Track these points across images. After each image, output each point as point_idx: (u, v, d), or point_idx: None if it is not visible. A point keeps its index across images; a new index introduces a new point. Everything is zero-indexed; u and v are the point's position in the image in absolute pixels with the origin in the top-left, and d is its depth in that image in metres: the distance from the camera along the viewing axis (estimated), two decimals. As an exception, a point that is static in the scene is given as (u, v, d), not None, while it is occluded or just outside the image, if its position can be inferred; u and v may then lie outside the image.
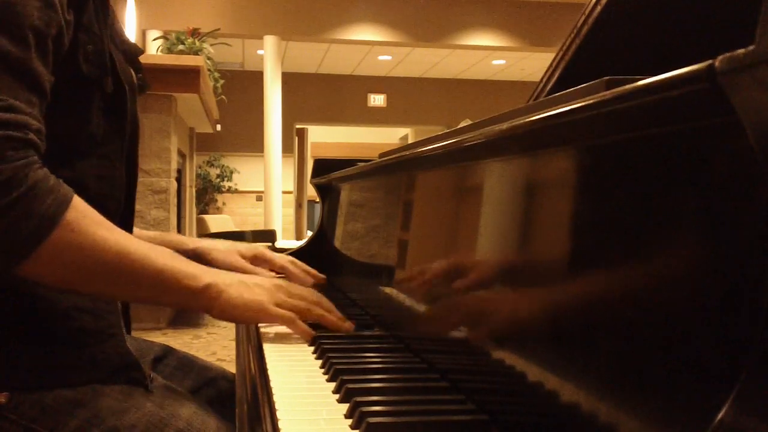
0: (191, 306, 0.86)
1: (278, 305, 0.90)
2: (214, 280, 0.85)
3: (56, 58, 0.80)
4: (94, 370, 0.84)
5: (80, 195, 0.76)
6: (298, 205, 11.13)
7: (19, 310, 0.82)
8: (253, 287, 0.89)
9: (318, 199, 1.76)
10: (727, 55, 0.33)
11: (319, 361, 0.84)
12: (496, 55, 10.43)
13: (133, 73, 1.01)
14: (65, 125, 0.84)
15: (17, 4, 0.74)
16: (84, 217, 0.75)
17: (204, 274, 0.85)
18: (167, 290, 0.82)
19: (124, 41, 1.03)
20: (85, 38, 0.85)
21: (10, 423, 0.78)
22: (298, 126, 11.25)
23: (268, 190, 9.08)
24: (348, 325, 0.96)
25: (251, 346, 0.95)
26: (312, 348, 0.91)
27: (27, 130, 0.72)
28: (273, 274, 1.25)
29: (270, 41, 8.91)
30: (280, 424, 0.62)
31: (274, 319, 0.90)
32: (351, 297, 1.27)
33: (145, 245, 0.81)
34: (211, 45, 5.56)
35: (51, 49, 0.78)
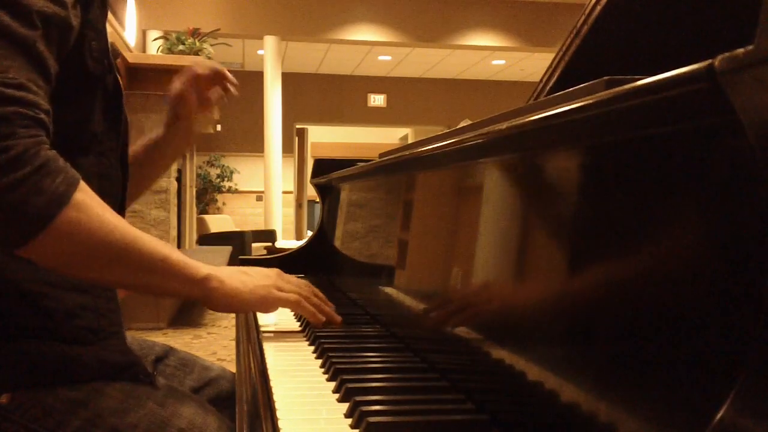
0: (190, 295, 0.86)
1: (280, 291, 0.93)
2: (214, 272, 0.87)
3: (63, 51, 0.80)
4: (99, 368, 0.85)
5: None
6: (298, 205, 11.13)
7: (24, 309, 0.82)
8: (254, 275, 0.92)
9: (318, 199, 1.76)
10: (727, 54, 0.33)
11: (319, 361, 0.84)
12: (496, 56, 10.42)
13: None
14: (70, 121, 0.84)
15: None
16: (91, 199, 0.75)
17: (202, 266, 0.86)
18: (169, 277, 0.82)
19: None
20: (91, 35, 0.86)
21: (12, 423, 0.78)
22: (298, 126, 11.25)
23: (268, 190, 9.07)
24: (339, 319, 1.00)
25: (251, 346, 0.95)
26: (312, 348, 0.91)
27: (37, 110, 0.72)
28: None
29: (270, 41, 8.91)
30: (280, 424, 0.62)
31: (281, 302, 0.93)
32: (351, 297, 1.28)
33: (146, 234, 0.82)
34: (211, 45, 5.56)
35: (56, 39, 0.78)
